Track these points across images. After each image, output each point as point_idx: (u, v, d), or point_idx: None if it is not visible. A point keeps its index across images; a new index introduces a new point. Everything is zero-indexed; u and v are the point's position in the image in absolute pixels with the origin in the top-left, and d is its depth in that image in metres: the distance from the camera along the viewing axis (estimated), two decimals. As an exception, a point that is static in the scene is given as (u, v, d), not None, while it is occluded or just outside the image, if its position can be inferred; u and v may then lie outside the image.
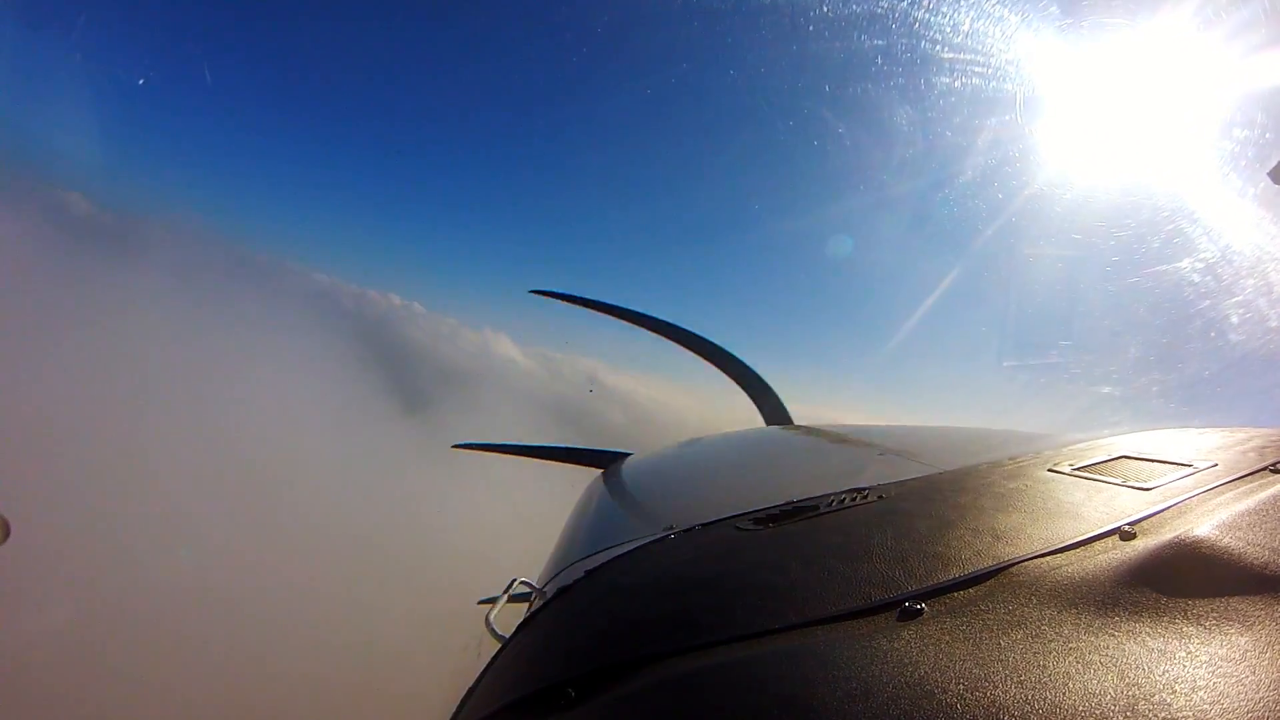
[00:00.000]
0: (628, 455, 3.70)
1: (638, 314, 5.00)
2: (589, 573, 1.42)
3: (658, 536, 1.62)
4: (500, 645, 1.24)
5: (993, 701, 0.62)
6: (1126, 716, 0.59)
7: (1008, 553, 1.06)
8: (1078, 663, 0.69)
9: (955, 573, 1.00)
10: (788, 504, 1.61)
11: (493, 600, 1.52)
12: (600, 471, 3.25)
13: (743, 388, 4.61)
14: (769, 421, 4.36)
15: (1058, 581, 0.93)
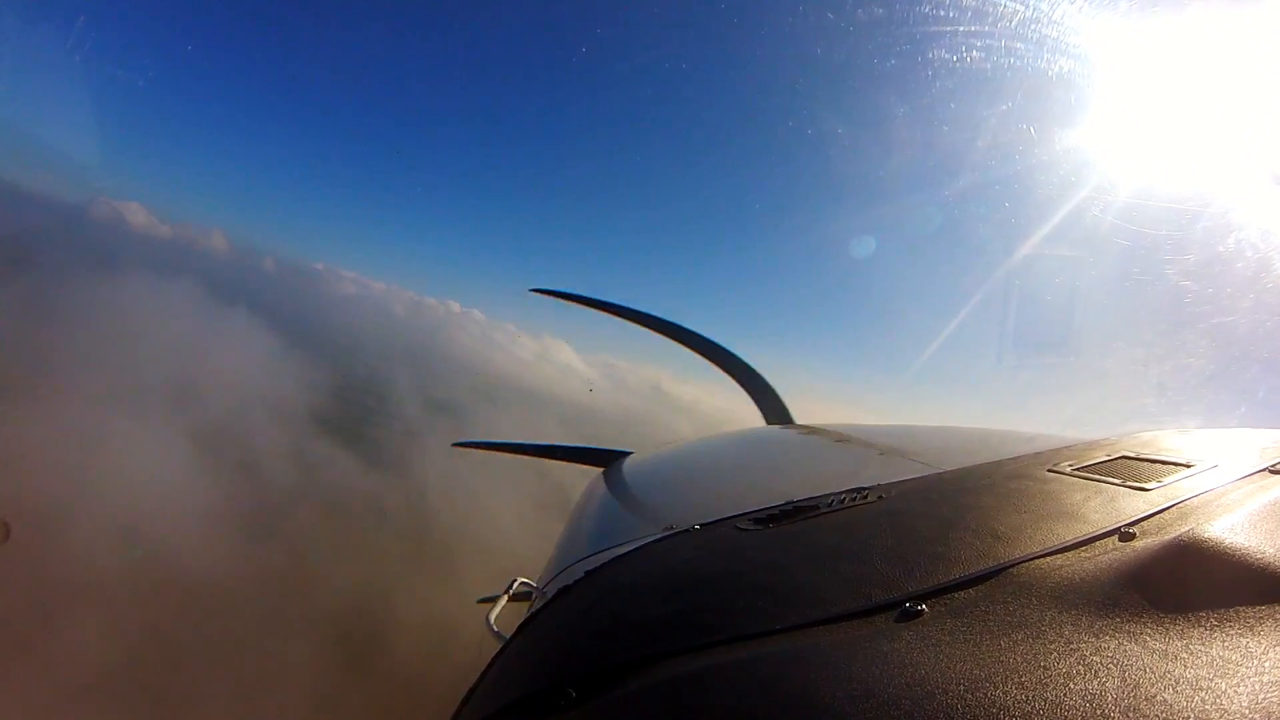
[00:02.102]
0: (628, 454, 3.69)
1: (639, 313, 4.98)
2: (589, 573, 1.42)
3: (658, 536, 1.62)
4: (501, 645, 1.24)
5: (993, 702, 0.62)
6: (1127, 716, 0.59)
7: (1008, 553, 1.06)
8: (1078, 663, 0.69)
9: (956, 573, 1.00)
10: (788, 504, 1.61)
11: (493, 599, 1.51)
12: (601, 471, 3.25)
13: (742, 385, 4.59)
14: (769, 420, 4.35)
15: (1058, 582, 0.93)
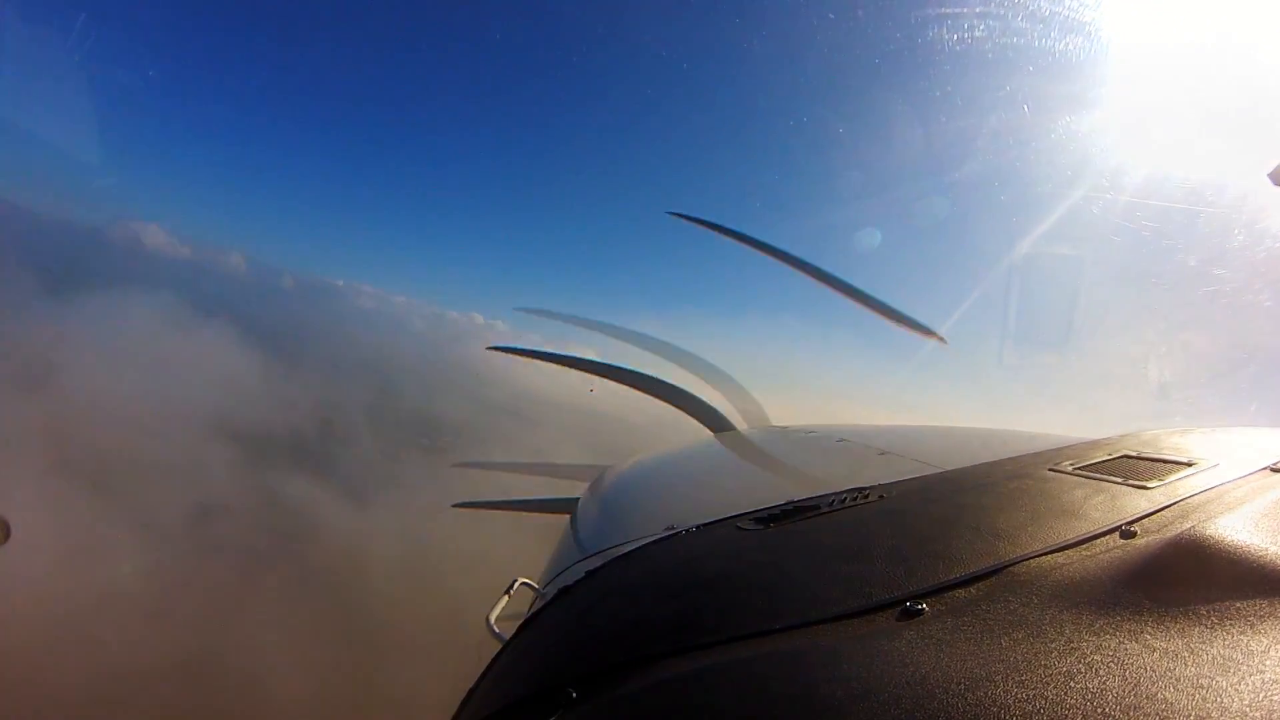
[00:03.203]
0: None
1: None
2: (590, 573, 1.41)
3: (659, 536, 1.61)
4: (501, 646, 1.24)
5: (994, 701, 0.62)
6: (1128, 715, 0.59)
7: (1009, 552, 1.06)
8: (1079, 661, 0.69)
9: (956, 572, 1.00)
10: (789, 504, 1.61)
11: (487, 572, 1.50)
12: (603, 470, 3.25)
13: (672, 403, 4.44)
14: (712, 429, 4.24)
15: (1059, 580, 0.93)
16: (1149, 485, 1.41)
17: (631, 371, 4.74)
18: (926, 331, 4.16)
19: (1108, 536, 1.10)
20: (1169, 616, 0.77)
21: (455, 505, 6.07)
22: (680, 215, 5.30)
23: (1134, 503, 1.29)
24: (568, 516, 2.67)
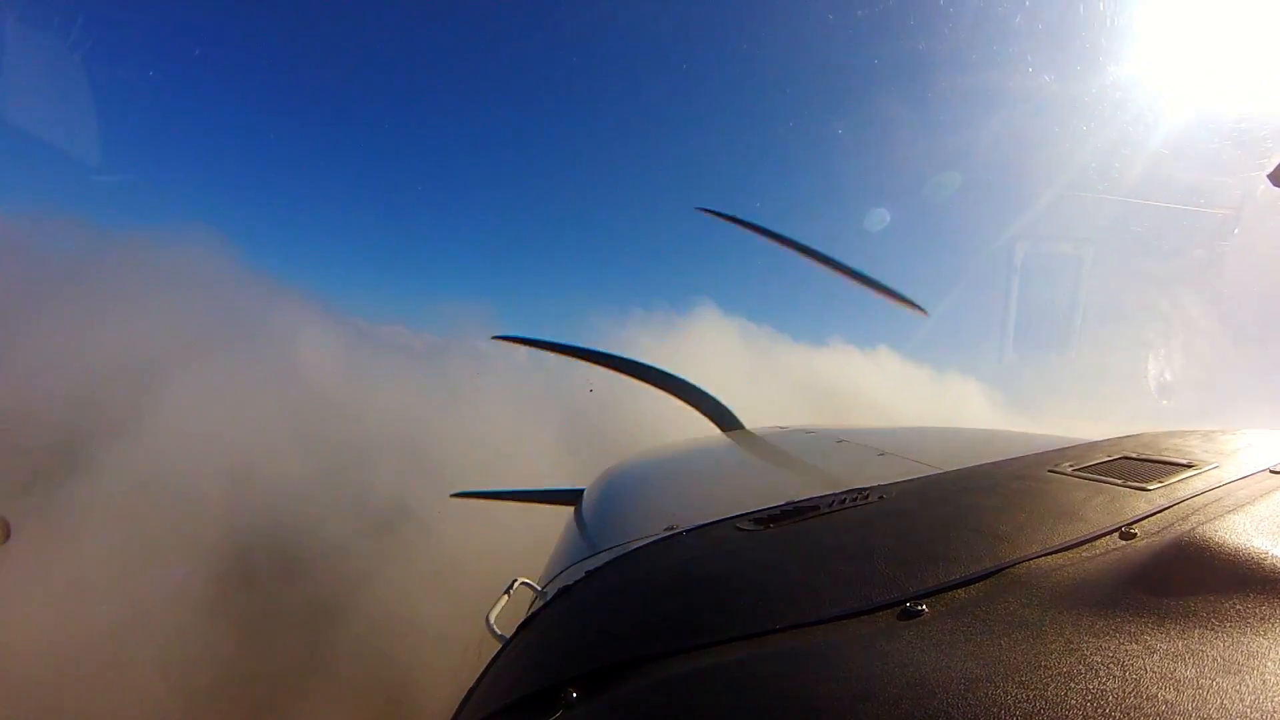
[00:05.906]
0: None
1: (597, 352, 4.87)
2: (590, 573, 1.42)
3: (659, 537, 1.62)
4: (501, 646, 1.24)
5: (993, 701, 0.62)
6: (1128, 716, 0.59)
7: (1008, 553, 1.06)
8: (1078, 663, 0.69)
9: (956, 573, 1.00)
10: (789, 504, 1.61)
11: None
12: (603, 470, 3.25)
13: (685, 400, 4.50)
14: (722, 427, 4.31)
15: (1058, 581, 0.93)
16: (1149, 487, 1.41)
17: (643, 365, 4.70)
18: (911, 305, 4.21)
19: (1107, 538, 1.11)
20: (1169, 618, 0.77)
21: (454, 495, 6.02)
22: (708, 211, 5.20)
23: (1134, 504, 1.29)
24: (568, 516, 2.67)
